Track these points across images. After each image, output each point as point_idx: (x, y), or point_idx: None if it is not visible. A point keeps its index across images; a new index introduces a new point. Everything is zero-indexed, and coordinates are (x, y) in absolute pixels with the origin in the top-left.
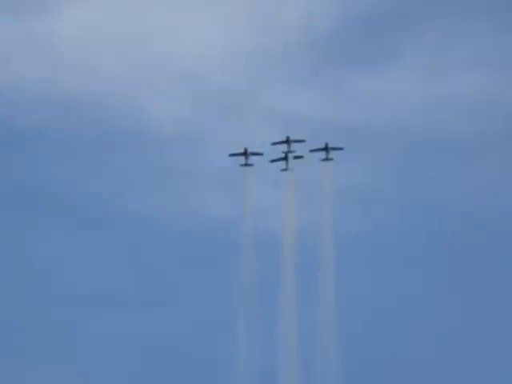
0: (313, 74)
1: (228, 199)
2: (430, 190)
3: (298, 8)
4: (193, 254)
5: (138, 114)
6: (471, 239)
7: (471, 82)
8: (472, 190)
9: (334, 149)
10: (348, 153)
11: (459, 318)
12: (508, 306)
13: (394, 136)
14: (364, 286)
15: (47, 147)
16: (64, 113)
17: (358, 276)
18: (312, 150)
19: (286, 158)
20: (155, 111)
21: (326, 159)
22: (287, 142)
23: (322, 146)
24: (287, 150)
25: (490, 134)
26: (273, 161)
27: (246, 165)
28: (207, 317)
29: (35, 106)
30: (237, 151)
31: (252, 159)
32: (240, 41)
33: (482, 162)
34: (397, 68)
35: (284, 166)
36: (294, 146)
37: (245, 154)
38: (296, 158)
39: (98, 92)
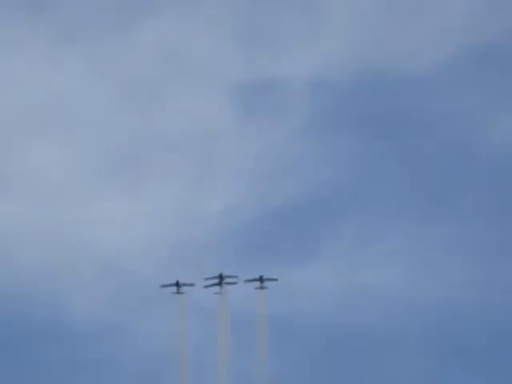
0: (234, 266)
1: None
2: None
3: (219, 200)
4: None
5: (59, 305)
6: None
7: (390, 275)
8: None
9: (269, 279)
10: (271, 344)
11: None
12: None
13: (314, 329)
14: None
15: None
16: None
17: None
18: (247, 281)
19: (219, 284)
20: (77, 302)
21: (261, 288)
22: (220, 277)
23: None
24: (220, 281)
25: (409, 328)
26: (206, 286)
27: (178, 293)
28: None
29: None
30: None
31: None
32: (163, 233)
33: (401, 355)
34: (317, 261)
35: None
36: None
37: (176, 284)
38: (229, 284)
39: (19, 282)
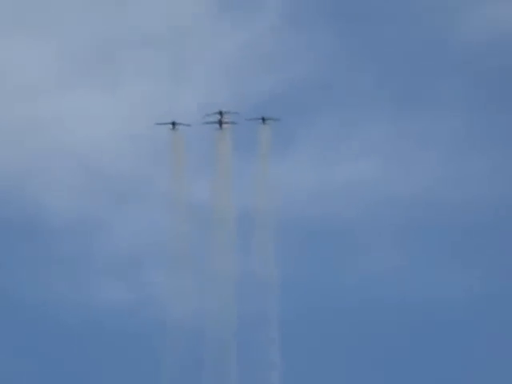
0: (204, 163)
1: (127, 285)
2: (327, 277)
3: (194, 96)
4: (97, 344)
5: (34, 202)
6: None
7: (365, 169)
8: (368, 277)
9: (271, 119)
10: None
11: None
12: None
13: (289, 224)
14: None
15: None
16: None
17: None
18: (248, 119)
19: (220, 122)
20: (50, 199)
21: (264, 124)
22: (220, 113)
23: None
24: (220, 119)
25: (383, 222)
26: (206, 123)
27: (174, 130)
28: None
29: None
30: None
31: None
32: (138, 128)
33: (375, 249)
34: (292, 156)
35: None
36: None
37: (172, 124)
38: (229, 123)
39: None
